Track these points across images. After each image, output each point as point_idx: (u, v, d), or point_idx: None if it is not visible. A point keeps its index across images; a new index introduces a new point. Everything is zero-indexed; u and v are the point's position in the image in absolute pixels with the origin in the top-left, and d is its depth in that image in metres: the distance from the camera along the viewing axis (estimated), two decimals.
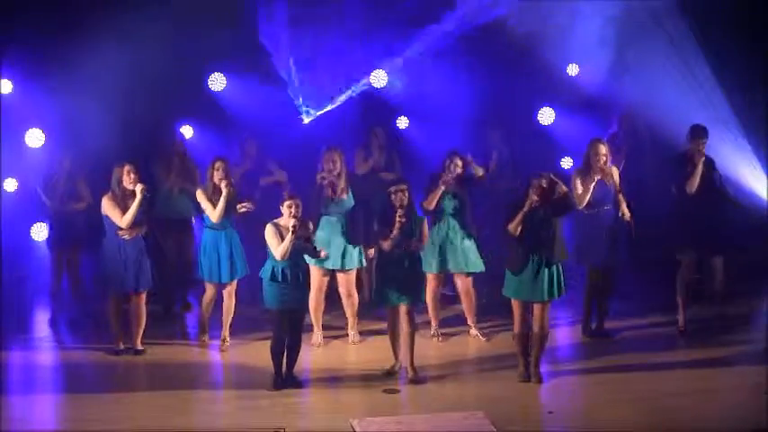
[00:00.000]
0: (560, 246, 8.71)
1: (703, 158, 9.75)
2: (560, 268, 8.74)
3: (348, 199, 9.68)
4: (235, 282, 9.63)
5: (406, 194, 8.81)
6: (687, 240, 9.90)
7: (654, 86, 11.72)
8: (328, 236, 9.57)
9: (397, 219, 8.68)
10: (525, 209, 8.54)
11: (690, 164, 9.78)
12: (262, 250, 8.84)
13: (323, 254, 8.99)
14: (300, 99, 11.99)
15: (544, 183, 8.58)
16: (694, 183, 9.76)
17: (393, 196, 8.79)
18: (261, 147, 11.12)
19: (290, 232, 8.55)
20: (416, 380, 8.79)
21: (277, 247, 8.60)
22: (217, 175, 9.43)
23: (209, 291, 9.64)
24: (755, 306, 10.83)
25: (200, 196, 9.53)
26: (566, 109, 12.54)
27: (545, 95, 12.58)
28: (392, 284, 8.78)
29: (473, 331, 9.92)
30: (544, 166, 11.62)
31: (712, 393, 8.61)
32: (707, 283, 10.58)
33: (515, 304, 8.76)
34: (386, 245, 8.76)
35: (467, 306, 9.92)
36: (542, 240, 8.61)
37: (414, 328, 8.87)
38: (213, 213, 9.43)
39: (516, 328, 8.81)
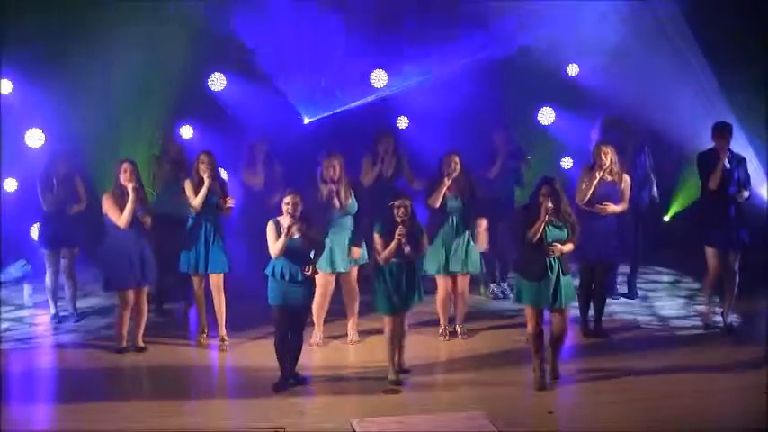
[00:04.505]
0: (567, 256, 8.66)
1: (726, 156, 9.78)
2: (570, 275, 8.70)
3: (352, 203, 9.66)
4: (220, 277, 9.65)
5: (409, 209, 8.79)
6: (711, 235, 9.92)
7: (654, 87, 11.72)
8: (332, 240, 9.57)
9: (397, 235, 8.68)
10: (543, 218, 8.40)
11: (713, 161, 9.81)
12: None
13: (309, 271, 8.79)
14: (301, 101, 12.03)
15: (557, 186, 8.50)
16: (716, 179, 9.79)
17: (395, 210, 8.77)
18: (270, 151, 11.11)
19: (285, 232, 8.57)
20: (404, 371, 8.91)
21: (273, 245, 8.62)
22: (202, 168, 9.55)
23: (194, 283, 9.73)
24: (756, 306, 10.81)
25: (187, 186, 9.64)
26: (566, 109, 12.54)
27: (545, 95, 12.58)
28: (394, 293, 8.77)
29: (459, 329, 9.97)
30: (544, 166, 11.72)
31: (712, 393, 8.60)
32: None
33: (530, 310, 8.61)
34: (382, 258, 8.76)
35: (459, 305, 9.95)
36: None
37: (405, 331, 9.01)
38: (193, 201, 9.53)
39: (530, 328, 8.63)
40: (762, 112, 11.59)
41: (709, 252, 9.99)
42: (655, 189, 11.01)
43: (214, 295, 9.67)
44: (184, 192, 9.62)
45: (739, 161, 9.93)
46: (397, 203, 8.79)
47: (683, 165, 11.84)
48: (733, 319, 10.22)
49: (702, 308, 10.20)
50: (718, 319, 10.13)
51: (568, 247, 8.55)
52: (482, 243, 9.76)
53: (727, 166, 9.81)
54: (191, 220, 9.65)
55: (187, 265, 9.66)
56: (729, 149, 9.87)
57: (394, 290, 8.78)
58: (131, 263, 9.41)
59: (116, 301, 9.59)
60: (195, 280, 9.73)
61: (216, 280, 9.66)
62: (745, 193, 9.90)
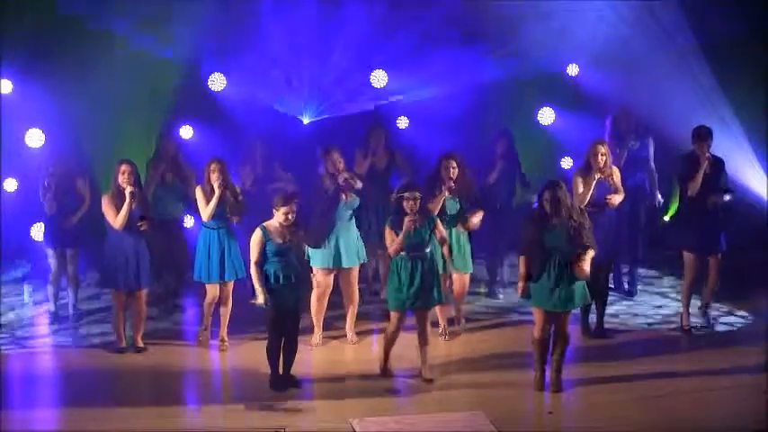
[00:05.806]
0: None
1: (707, 162, 9.76)
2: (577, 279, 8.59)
3: (355, 197, 9.68)
4: (231, 283, 9.64)
5: (419, 202, 8.73)
6: (689, 240, 9.92)
7: (653, 85, 11.71)
8: (339, 235, 9.57)
9: (407, 221, 8.60)
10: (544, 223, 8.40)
11: (693, 165, 9.79)
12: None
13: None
14: (301, 102, 12.03)
15: (559, 192, 8.42)
16: (696, 185, 9.78)
17: (405, 203, 8.70)
18: (269, 147, 11.10)
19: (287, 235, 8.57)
20: (431, 380, 8.83)
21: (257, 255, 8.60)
22: (213, 177, 9.46)
23: (209, 291, 9.64)
24: (755, 306, 10.81)
25: (198, 194, 9.57)
26: (566, 109, 12.53)
27: (545, 95, 12.57)
28: (406, 289, 8.72)
29: (458, 329, 10.02)
30: (544, 167, 11.71)
31: (712, 393, 8.60)
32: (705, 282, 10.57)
33: (536, 310, 8.59)
34: (391, 251, 8.73)
35: (457, 304, 10.00)
36: (562, 253, 8.46)
37: (428, 336, 8.93)
38: (204, 212, 9.49)
39: (537, 333, 8.60)
40: (761, 111, 11.59)
41: (687, 257, 9.99)
42: (658, 195, 11.05)
43: (222, 299, 9.66)
44: (194, 198, 9.61)
45: (717, 164, 9.89)
46: (406, 195, 8.71)
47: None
48: (717, 316, 10.27)
49: (682, 311, 10.18)
50: (696, 320, 10.14)
51: (590, 254, 8.42)
52: (471, 226, 9.72)
53: (707, 171, 9.78)
54: (203, 228, 9.61)
55: (199, 273, 9.60)
56: (710, 153, 9.86)
57: (406, 286, 8.72)
58: (125, 264, 9.38)
59: (113, 302, 9.59)
60: (211, 287, 9.62)
61: (226, 287, 9.63)
62: (726, 197, 9.88)
